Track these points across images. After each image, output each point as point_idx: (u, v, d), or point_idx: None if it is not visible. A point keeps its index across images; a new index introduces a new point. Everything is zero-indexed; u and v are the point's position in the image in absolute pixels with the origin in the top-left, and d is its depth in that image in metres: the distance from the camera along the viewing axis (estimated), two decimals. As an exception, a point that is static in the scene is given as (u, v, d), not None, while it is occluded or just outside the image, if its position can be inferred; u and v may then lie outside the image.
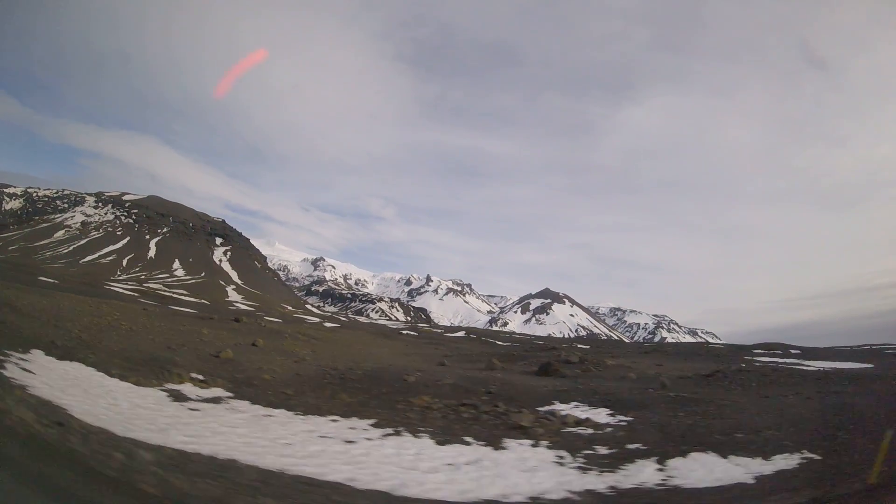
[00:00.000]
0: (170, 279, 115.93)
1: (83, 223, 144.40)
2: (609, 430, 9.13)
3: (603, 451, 7.69)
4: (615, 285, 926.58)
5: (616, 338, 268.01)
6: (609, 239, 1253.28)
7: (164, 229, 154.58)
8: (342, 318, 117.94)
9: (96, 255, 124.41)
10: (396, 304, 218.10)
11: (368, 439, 7.86)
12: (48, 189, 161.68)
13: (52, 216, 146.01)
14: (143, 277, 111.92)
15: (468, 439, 8.12)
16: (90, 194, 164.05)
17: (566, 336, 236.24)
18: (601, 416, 10.30)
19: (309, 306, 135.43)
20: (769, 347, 39.45)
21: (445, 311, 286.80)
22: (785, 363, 25.86)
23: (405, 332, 57.92)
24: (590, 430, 9.04)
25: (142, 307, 30.46)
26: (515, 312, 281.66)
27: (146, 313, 25.86)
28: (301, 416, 9.11)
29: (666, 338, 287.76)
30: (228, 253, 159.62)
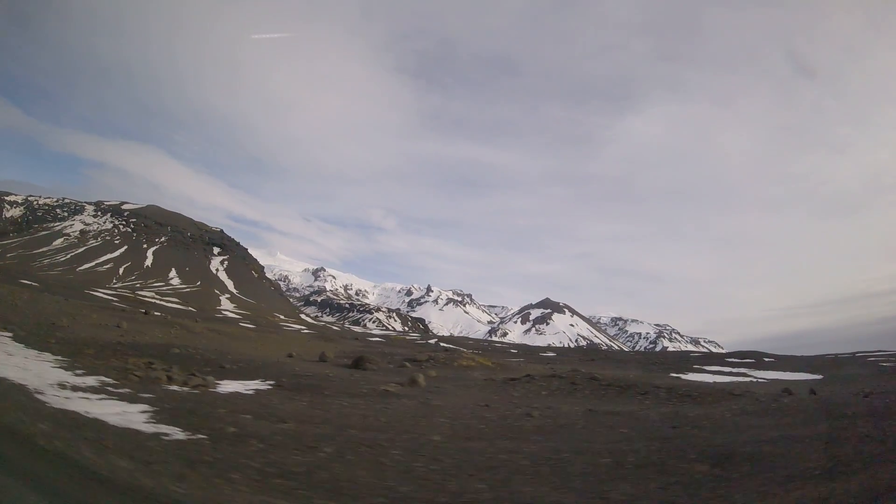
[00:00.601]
0: (165, 288, 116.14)
1: (82, 231, 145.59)
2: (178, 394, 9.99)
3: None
4: (618, 295, 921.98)
5: (616, 347, 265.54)
6: (611, 249, 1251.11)
7: (162, 238, 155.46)
8: (334, 328, 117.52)
9: (93, 264, 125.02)
10: (395, 314, 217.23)
11: (26, 357, 10.73)
12: (49, 197, 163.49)
13: (52, 224, 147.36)
14: (138, 286, 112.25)
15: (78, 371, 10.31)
16: (90, 203, 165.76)
17: (566, 346, 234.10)
18: (230, 387, 11.31)
19: (303, 316, 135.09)
20: (743, 356, 39.19)
21: (445, 322, 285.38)
22: (727, 372, 25.39)
23: (374, 339, 58.11)
24: (177, 388, 10.20)
25: (65, 298, 31.77)
26: (515, 322, 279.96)
27: (65, 302, 27.38)
28: (26, 348, 11.82)
29: (667, 347, 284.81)
30: (226, 262, 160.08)
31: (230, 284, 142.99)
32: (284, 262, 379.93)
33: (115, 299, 44.72)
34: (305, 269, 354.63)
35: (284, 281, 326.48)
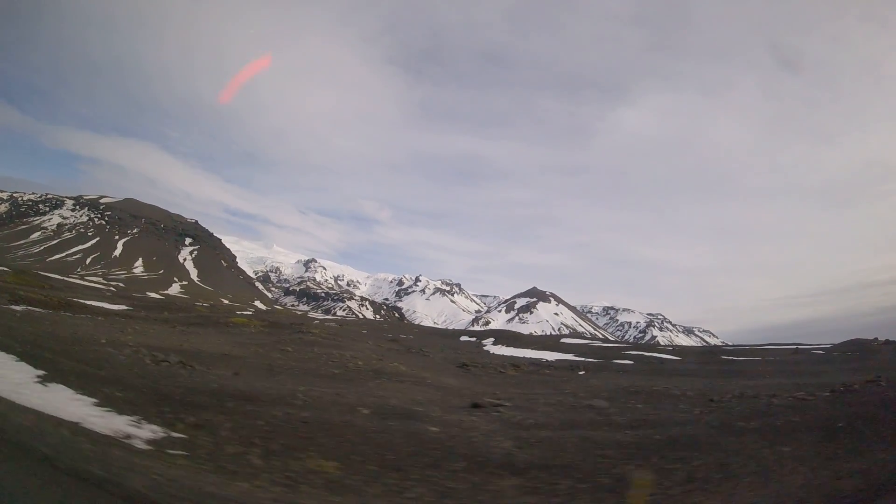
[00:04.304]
0: (124, 275, 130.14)
1: (59, 225, 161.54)
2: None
3: None
4: (617, 285, 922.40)
5: (601, 336, 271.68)
6: (608, 239, 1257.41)
7: (135, 230, 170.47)
8: (274, 311, 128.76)
9: (63, 254, 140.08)
10: (367, 302, 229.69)
11: None
12: (33, 193, 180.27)
13: (32, 219, 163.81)
14: (101, 274, 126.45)
15: None
16: (70, 197, 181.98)
17: (546, 334, 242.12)
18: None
19: (258, 302, 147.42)
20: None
21: (431, 311, 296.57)
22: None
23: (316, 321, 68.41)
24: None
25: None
26: (500, 312, 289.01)
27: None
28: None
29: (657, 336, 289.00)
30: (195, 252, 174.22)
31: (194, 273, 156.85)
32: (279, 255, 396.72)
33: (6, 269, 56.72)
34: (298, 261, 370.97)
35: (276, 272, 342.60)
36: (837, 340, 64.40)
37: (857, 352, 33.61)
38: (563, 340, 59.87)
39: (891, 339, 54.44)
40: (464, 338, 42.89)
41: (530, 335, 64.50)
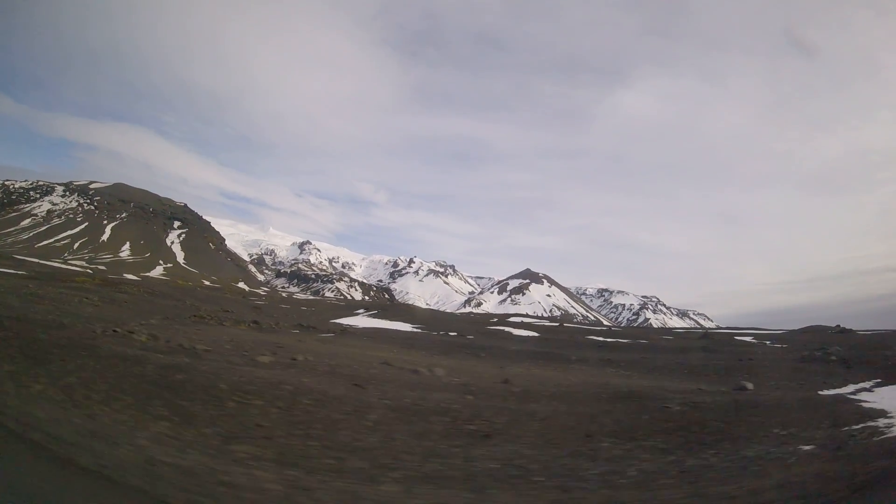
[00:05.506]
0: (110, 259, 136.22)
1: (48, 211, 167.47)
2: None
3: None
4: (614, 268, 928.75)
5: (592, 318, 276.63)
6: (606, 222, 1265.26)
7: (123, 214, 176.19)
8: (260, 295, 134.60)
9: (52, 240, 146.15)
10: (356, 284, 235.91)
11: None
12: (25, 181, 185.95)
13: (23, 206, 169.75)
14: (86, 258, 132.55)
15: None
16: (60, 184, 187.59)
17: (539, 315, 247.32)
18: None
19: (242, 283, 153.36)
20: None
21: (424, 293, 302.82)
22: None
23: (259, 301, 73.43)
24: None
25: None
26: (493, 293, 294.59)
27: None
28: None
29: (650, 319, 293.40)
30: (183, 235, 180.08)
31: (180, 256, 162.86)
32: (275, 237, 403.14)
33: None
34: (293, 243, 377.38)
35: (270, 255, 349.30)
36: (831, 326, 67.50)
37: (778, 341, 37.64)
38: (510, 319, 64.81)
39: (875, 328, 57.13)
40: (358, 310, 47.79)
41: (423, 309, 69.99)
